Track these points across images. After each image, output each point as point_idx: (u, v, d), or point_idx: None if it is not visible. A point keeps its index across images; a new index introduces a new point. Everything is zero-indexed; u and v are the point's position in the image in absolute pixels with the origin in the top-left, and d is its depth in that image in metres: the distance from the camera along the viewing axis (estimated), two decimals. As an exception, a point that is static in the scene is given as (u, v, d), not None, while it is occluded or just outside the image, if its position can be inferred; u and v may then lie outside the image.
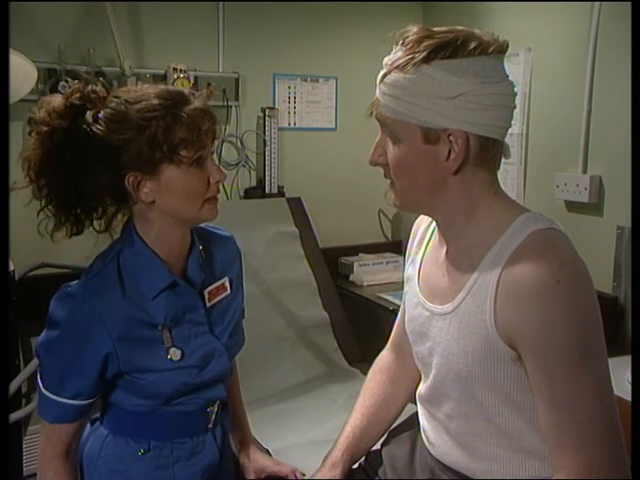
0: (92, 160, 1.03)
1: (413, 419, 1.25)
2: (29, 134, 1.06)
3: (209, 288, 1.19)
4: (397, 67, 0.96)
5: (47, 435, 1.13)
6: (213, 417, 1.21)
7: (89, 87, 1.06)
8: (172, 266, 1.13)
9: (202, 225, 1.23)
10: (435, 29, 0.96)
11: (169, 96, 1.03)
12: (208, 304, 1.18)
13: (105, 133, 1.01)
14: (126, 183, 1.04)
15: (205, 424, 1.20)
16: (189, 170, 1.05)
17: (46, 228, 1.09)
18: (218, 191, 1.12)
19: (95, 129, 1.02)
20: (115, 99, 1.04)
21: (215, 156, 2.63)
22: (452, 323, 1.01)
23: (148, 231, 1.11)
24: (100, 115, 1.02)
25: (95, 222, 1.12)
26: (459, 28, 0.97)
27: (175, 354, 1.11)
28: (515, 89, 1.00)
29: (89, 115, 1.03)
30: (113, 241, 1.14)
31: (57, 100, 1.05)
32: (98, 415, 1.21)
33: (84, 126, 1.03)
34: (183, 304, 1.13)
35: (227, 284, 1.23)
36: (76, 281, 1.10)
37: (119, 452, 1.16)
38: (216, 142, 1.13)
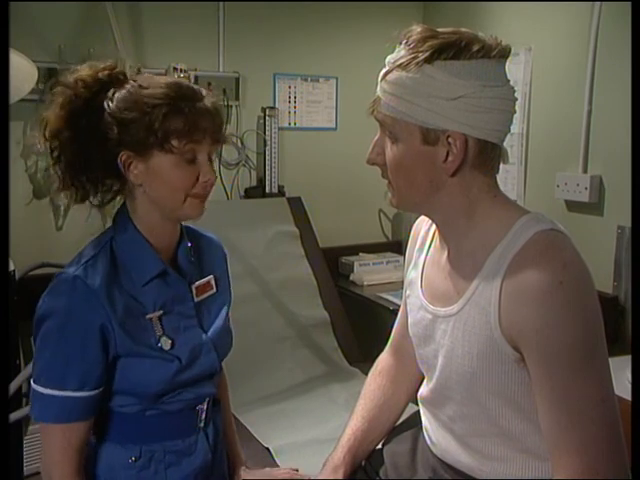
0: (101, 132, 1.08)
1: (414, 418, 1.24)
2: (52, 95, 1.10)
3: (197, 283, 1.21)
4: (399, 65, 0.96)
5: (57, 446, 1.07)
6: (204, 415, 1.20)
7: (118, 68, 1.12)
8: (162, 256, 1.15)
9: (189, 225, 1.25)
10: (439, 30, 0.96)
11: (177, 89, 1.07)
12: (196, 299, 1.20)
13: (114, 110, 1.07)
14: (118, 160, 1.08)
15: (196, 423, 1.19)
16: (178, 162, 1.07)
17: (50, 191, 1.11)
18: (208, 191, 1.13)
19: (108, 104, 1.07)
20: (132, 82, 1.10)
21: (215, 156, 2.64)
22: (456, 325, 1.01)
23: (139, 218, 1.13)
24: (116, 94, 1.08)
25: (99, 195, 1.15)
26: (463, 30, 0.97)
27: (166, 343, 1.11)
28: (516, 94, 0.99)
29: (111, 92, 1.09)
30: (106, 228, 1.16)
31: (86, 70, 1.10)
32: None
33: (104, 101, 1.08)
34: (173, 294, 1.15)
35: (212, 282, 1.25)
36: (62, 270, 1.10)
37: (109, 461, 1.14)
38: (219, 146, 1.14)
